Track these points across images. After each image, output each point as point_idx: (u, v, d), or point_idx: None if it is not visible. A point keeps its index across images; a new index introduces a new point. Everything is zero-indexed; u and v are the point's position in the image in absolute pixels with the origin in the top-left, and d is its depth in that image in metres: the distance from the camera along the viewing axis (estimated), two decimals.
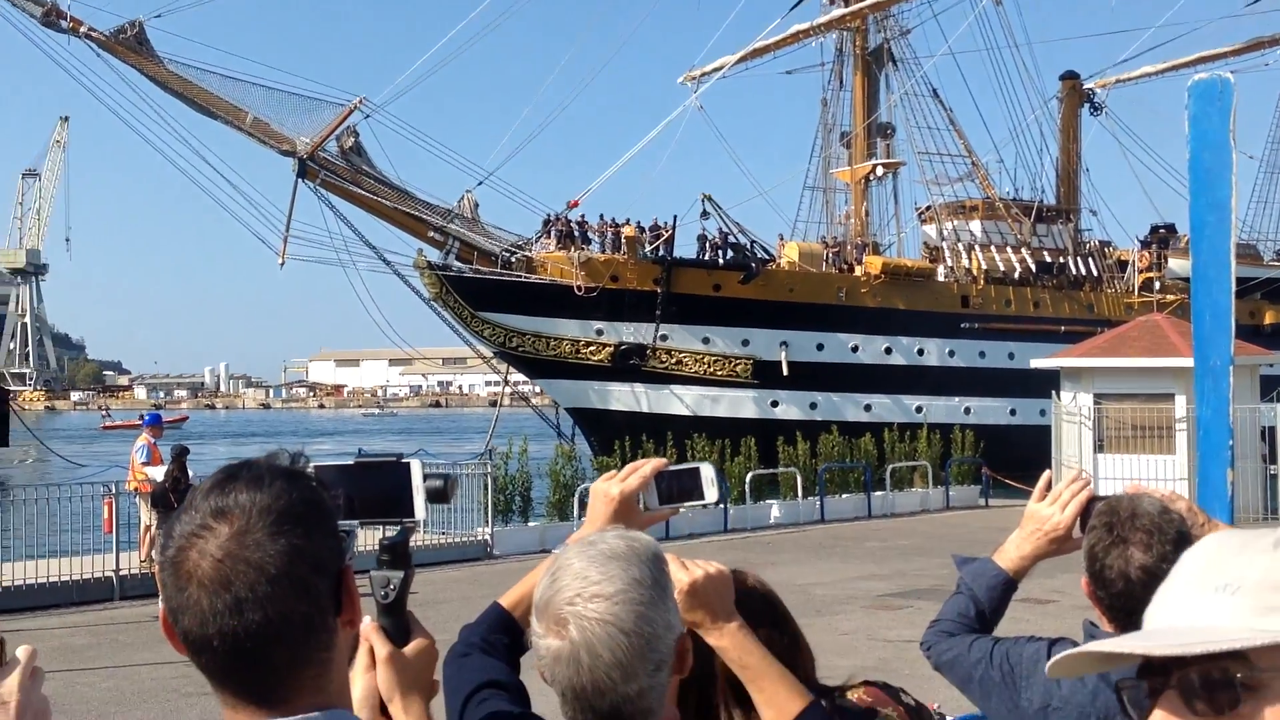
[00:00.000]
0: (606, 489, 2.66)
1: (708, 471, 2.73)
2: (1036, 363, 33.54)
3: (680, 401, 48.21)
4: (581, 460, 30.59)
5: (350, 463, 2.34)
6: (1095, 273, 57.82)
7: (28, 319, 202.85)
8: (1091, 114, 64.69)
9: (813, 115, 61.25)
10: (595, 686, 2.00)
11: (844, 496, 31.59)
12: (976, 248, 55.53)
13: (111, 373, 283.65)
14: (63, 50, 40.98)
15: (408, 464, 2.31)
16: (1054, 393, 30.68)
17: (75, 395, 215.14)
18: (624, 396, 47.85)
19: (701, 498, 2.71)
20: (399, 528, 2.30)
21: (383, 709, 2.19)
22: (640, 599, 2.01)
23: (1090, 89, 64.49)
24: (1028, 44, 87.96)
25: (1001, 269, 55.31)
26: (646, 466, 2.70)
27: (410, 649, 2.23)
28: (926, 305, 52.09)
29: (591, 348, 47.34)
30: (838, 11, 55.73)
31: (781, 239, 53.69)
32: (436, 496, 2.32)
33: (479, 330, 46.29)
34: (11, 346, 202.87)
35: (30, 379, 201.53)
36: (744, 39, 55.81)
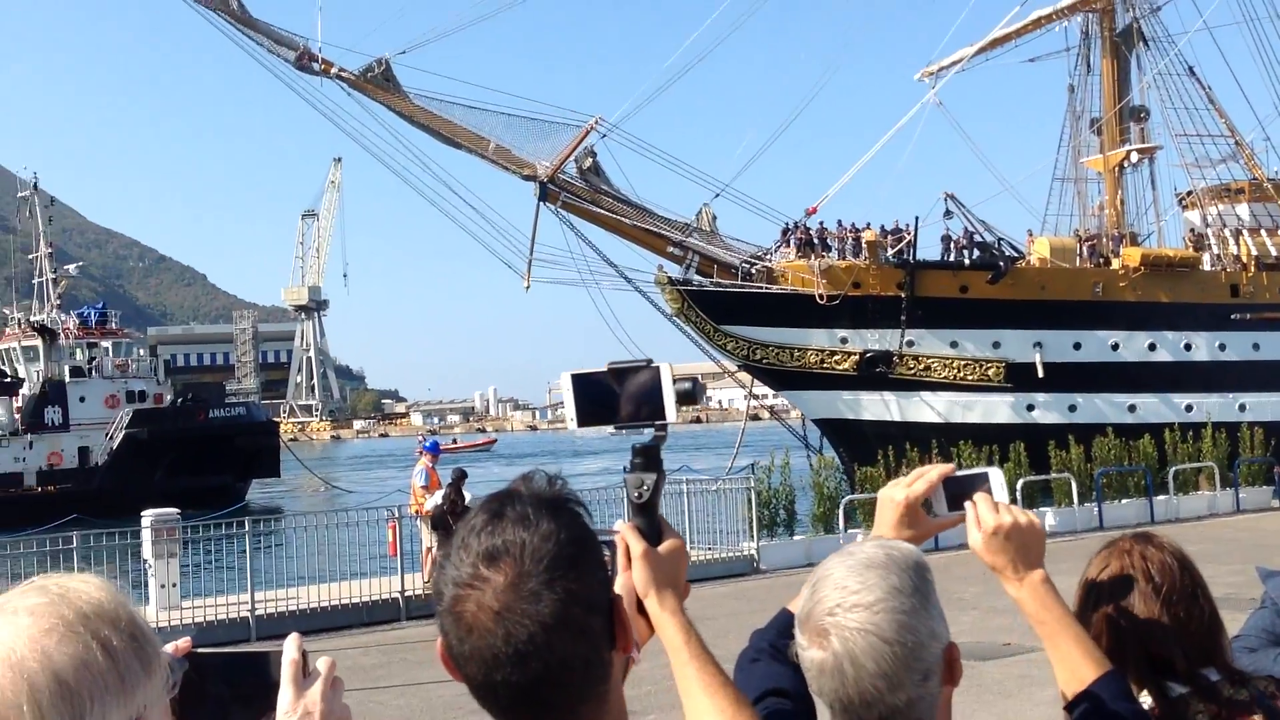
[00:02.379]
0: (892, 494, 2.61)
1: (997, 476, 2.65)
2: None
3: (931, 408, 46.90)
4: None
5: (604, 369, 2.39)
6: None
7: (312, 353, 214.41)
8: None
9: (1059, 103, 58.67)
10: (862, 698, 2.00)
11: (1124, 502, 30.40)
12: (1245, 233, 52.18)
13: (390, 400, 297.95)
14: (316, 91, 42.96)
15: (658, 367, 2.37)
16: None
17: (358, 424, 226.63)
18: (872, 405, 46.83)
19: None
20: (651, 431, 2.36)
21: (639, 606, 2.23)
22: (901, 607, 2.00)
23: None
24: None
25: (1274, 254, 51.81)
26: (933, 471, 2.63)
27: (663, 547, 2.28)
28: (1192, 297, 49.21)
29: (836, 356, 46.53)
30: None
31: (1031, 234, 51.65)
32: (686, 398, 2.37)
33: (722, 344, 46.07)
34: (299, 380, 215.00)
35: (316, 410, 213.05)
36: (982, 29, 54.09)
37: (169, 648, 1.72)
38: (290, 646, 1.82)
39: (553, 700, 1.73)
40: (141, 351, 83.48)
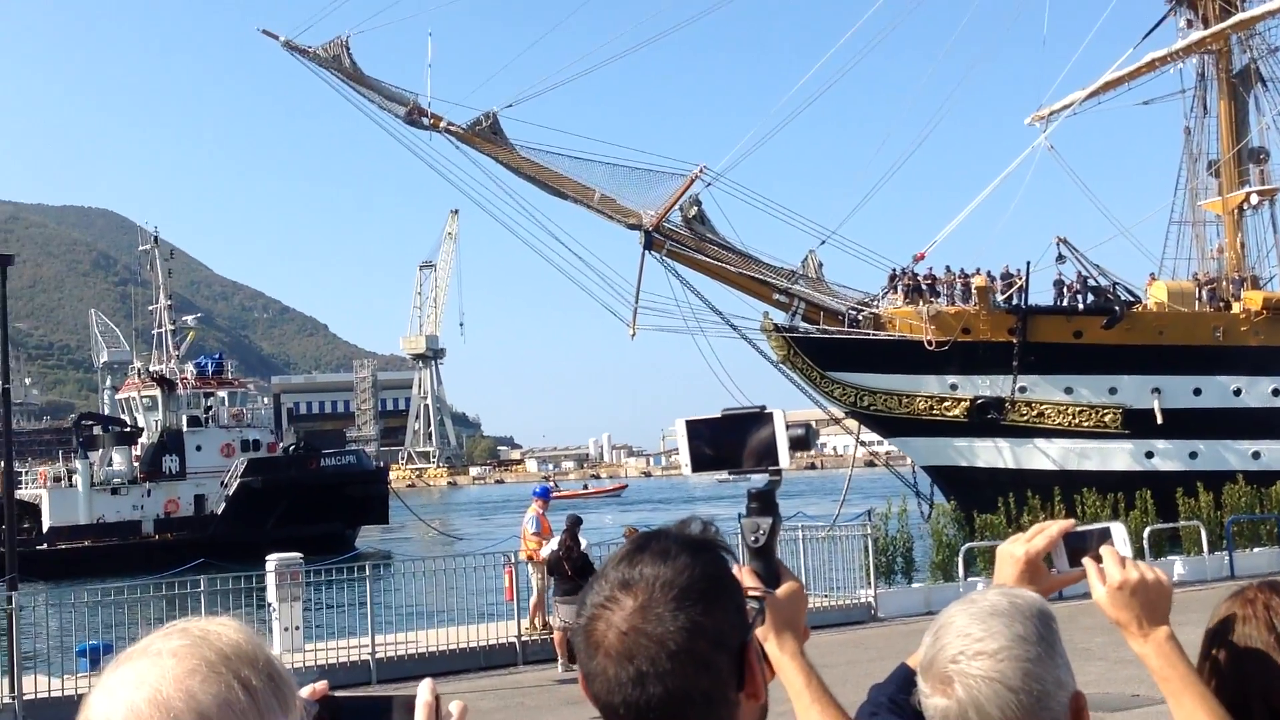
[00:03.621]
0: (1012, 550, 2.58)
1: (1119, 531, 2.61)
2: None
3: (1045, 455, 45.93)
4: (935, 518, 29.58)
5: (718, 415, 2.43)
6: None
7: (429, 400, 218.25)
8: None
9: (1175, 146, 57.45)
10: None
11: (1256, 550, 29.52)
12: None
13: (505, 447, 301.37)
14: (425, 145, 43.78)
15: (771, 414, 2.38)
16: None
17: (474, 470, 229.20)
18: (985, 452, 46.02)
19: None
20: (767, 477, 2.37)
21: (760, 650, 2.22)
22: (1026, 655, 1.99)
23: None
24: None
25: None
26: (1054, 527, 2.60)
27: (782, 591, 2.29)
28: None
29: (946, 403, 45.86)
30: (1197, 35, 52.23)
31: (1153, 277, 50.55)
32: (799, 444, 2.39)
33: (829, 390, 45.69)
34: (416, 427, 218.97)
35: (434, 457, 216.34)
36: (1094, 73, 53.15)
37: (305, 691, 1.77)
38: (424, 690, 1.87)
39: None
40: (266, 400, 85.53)
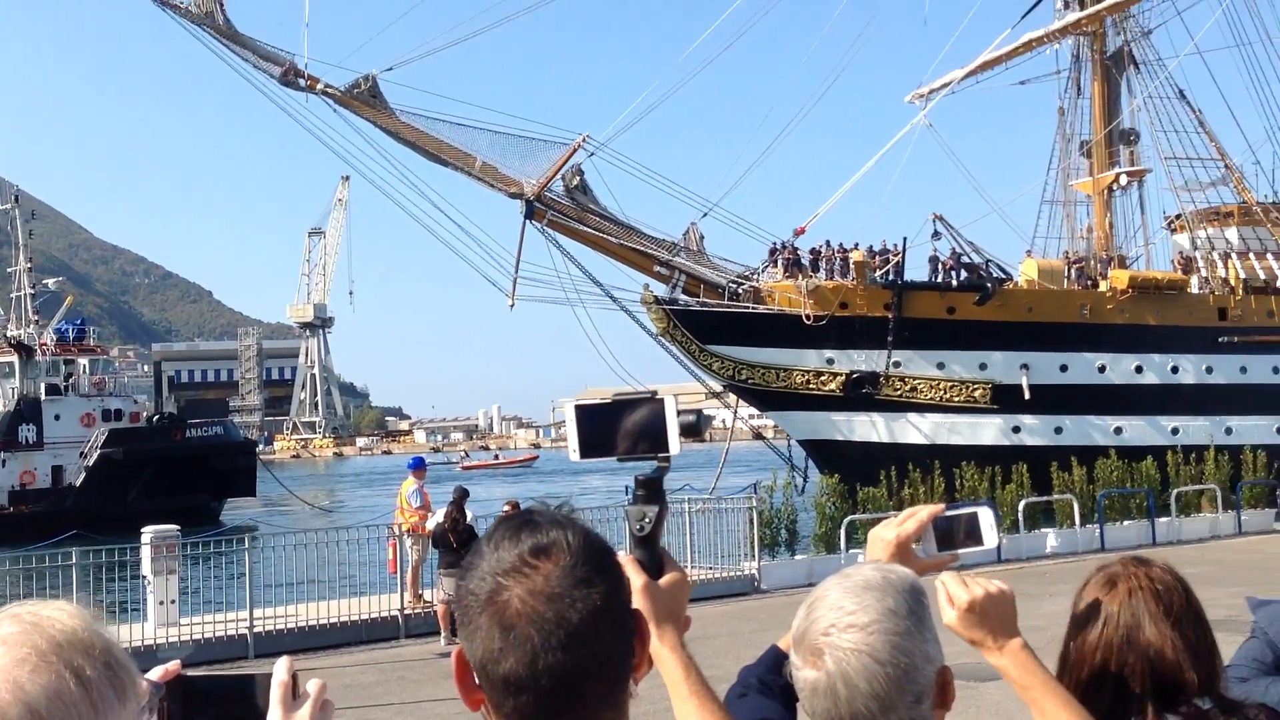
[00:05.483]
0: (883, 534, 2.62)
1: (987, 516, 2.64)
2: None
3: (917, 430, 46.73)
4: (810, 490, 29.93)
5: (609, 400, 2.41)
6: None
7: (316, 370, 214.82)
8: None
9: (1049, 126, 58.92)
10: (854, 719, 2.00)
11: (1126, 524, 30.35)
12: (1233, 256, 52.13)
13: (393, 418, 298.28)
14: (302, 107, 42.80)
15: (662, 399, 2.36)
16: None
17: (361, 441, 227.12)
18: (859, 426, 46.65)
19: (981, 543, 2.63)
20: (654, 464, 2.36)
21: None
22: (895, 629, 2.01)
23: None
24: None
25: (1262, 278, 51.74)
26: (924, 512, 2.64)
27: (664, 581, 2.27)
28: (1180, 320, 49.15)
29: (823, 377, 46.36)
30: (1073, 16, 53.34)
31: (1029, 254, 51.69)
32: (689, 431, 2.36)
33: (708, 364, 45.87)
34: (302, 397, 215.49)
35: (320, 427, 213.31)
36: (973, 52, 54.05)
37: (158, 671, 1.72)
38: (280, 669, 1.81)
39: (589, 696, 1.71)
40: (146, 368, 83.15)
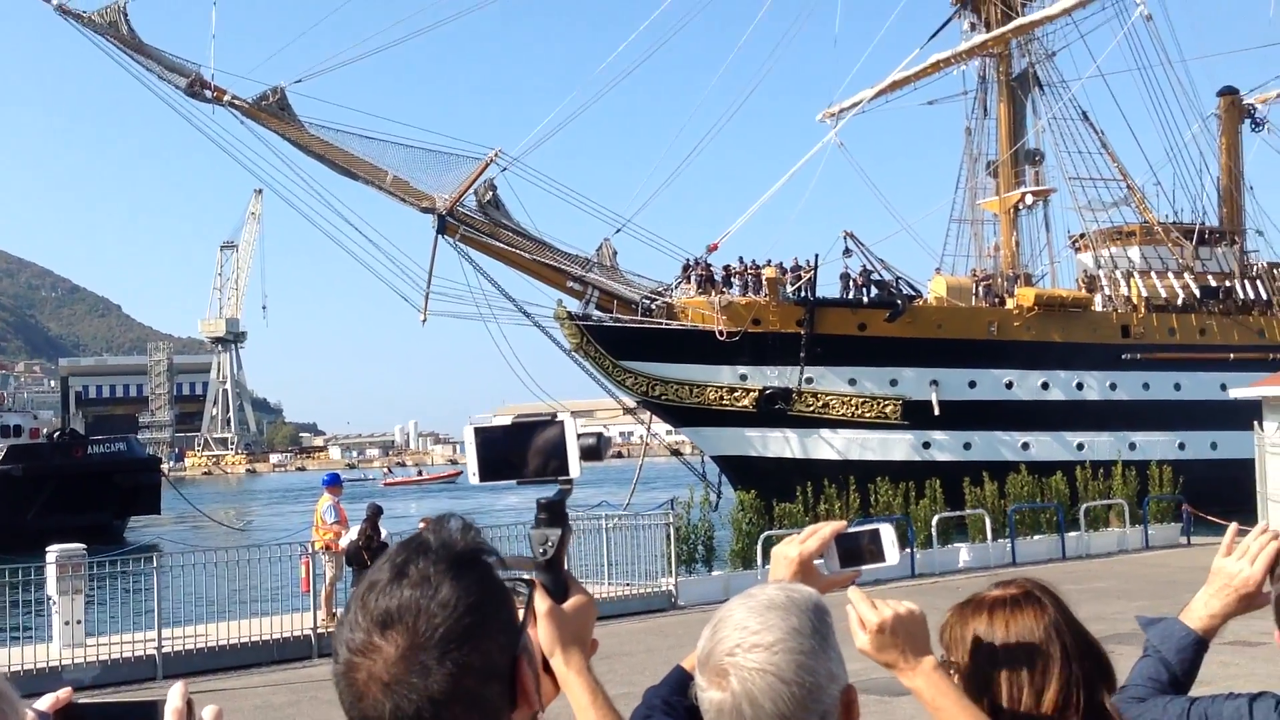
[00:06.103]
0: (786, 551, 2.61)
1: (888, 533, 2.64)
2: (1236, 392, 31.64)
3: (829, 445, 47.07)
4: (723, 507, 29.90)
5: (509, 423, 2.37)
6: (1265, 296, 54.86)
7: (228, 385, 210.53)
8: (1253, 130, 61.77)
9: (957, 146, 59.70)
10: None
11: (1036, 538, 30.66)
12: (1135, 275, 53.30)
13: (308, 434, 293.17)
14: (209, 119, 42.12)
15: (562, 421, 2.34)
16: (1256, 424, 28.84)
17: (274, 457, 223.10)
18: (773, 443, 46.89)
19: (883, 559, 2.63)
20: (556, 487, 2.34)
21: (544, 664, 2.18)
22: (800, 648, 2.00)
23: (1251, 104, 61.53)
24: (1182, 61, 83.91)
25: (1163, 296, 52.93)
26: (826, 529, 2.63)
27: (569, 604, 2.25)
28: (1084, 337, 50.15)
29: (737, 393, 46.55)
30: (979, 38, 54.34)
31: (939, 272, 52.39)
32: (590, 454, 2.34)
33: (621, 380, 45.85)
34: (214, 413, 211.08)
35: (232, 444, 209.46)
36: (882, 72, 54.75)
37: (47, 700, 1.67)
38: (174, 695, 1.75)
39: None
40: (53, 383, 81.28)
